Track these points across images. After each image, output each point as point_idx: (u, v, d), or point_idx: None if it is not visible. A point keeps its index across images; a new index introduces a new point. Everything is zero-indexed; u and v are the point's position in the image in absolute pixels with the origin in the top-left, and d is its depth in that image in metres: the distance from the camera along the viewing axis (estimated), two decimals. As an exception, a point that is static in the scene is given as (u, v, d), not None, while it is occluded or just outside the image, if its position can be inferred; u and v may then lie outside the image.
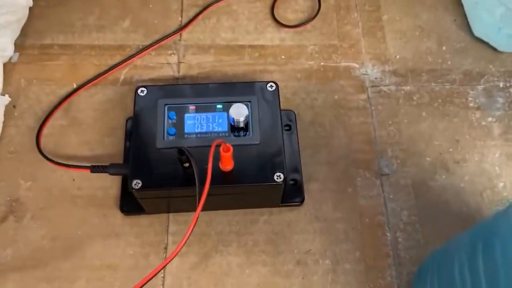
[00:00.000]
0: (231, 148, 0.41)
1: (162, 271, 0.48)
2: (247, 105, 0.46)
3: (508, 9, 0.56)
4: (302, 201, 0.51)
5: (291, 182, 0.51)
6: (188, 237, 0.38)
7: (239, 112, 0.45)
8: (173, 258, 0.39)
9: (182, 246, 0.38)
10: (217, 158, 0.43)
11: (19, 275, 0.47)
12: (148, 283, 0.46)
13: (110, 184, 0.52)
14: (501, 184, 0.52)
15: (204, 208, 0.49)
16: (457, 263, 0.36)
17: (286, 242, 0.49)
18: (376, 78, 0.59)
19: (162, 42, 0.60)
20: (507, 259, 0.29)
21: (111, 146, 0.54)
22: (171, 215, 0.50)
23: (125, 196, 0.50)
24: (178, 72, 0.59)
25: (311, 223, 0.50)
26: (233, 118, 0.45)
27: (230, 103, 0.47)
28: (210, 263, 0.48)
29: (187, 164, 0.43)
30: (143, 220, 0.50)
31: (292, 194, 0.51)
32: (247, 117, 0.46)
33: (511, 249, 0.29)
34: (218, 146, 0.41)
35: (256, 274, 0.48)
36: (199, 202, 0.38)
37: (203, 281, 0.47)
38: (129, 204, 0.50)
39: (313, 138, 0.55)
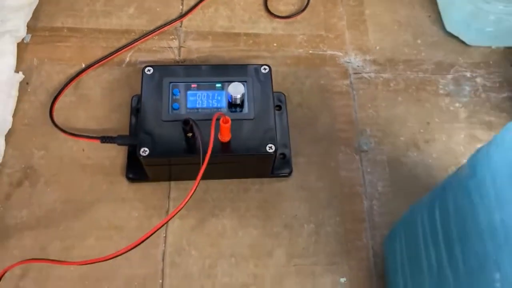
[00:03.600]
0: (230, 120, 0.47)
1: (164, 231, 0.53)
2: (243, 85, 0.52)
3: (476, 7, 0.62)
4: (290, 173, 0.57)
5: (281, 156, 0.57)
6: (192, 195, 0.44)
7: (236, 90, 0.51)
8: (175, 214, 0.44)
9: (186, 203, 0.44)
10: (216, 130, 0.49)
11: (34, 233, 0.52)
12: (152, 241, 0.53)
13: (116, 154, 0.57)
14: (465, 161, 0.58)
15: (202, 177, 0.55)
16: (419, 219, 0.42)
17: (275, 208, 0.55)
18: (358, 66, 0.65)
19: (165, 28, 0.65)
20: (456, 208, 0.36)
21: (117, 121, 0.59)
22: (172, 183, 0.56)
23: (130, 165, 0.56)
24: (179, 55, 0.64)
25: (298, 192, 0.56)
26: (231, 95, 0.51)
27: (228, 82, 0.52)
28: (207, 225, 0.54)
29: (190, 134, 0.48)
30: (146, 187, 0.56)
31: (281, 166, 0.57)
32: (243, 95, 0.51)
33: (459, 201, 0.35)
34: (218, 119, 0.47)
35: (248, 236, 0.54)
36: (202, 163, 0.44)
37: (201, 241, 0.53)
38: (134, 172, 0.55)
39: (301, 118, 0.61)
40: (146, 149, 0.49)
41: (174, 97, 0.52)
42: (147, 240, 0.42)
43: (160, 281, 0.51)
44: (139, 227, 0.53)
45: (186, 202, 0.44)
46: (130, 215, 0.54)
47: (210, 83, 0.53)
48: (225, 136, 0.50)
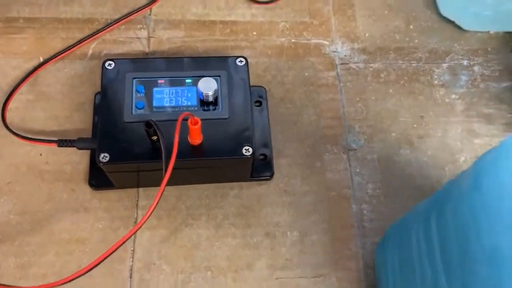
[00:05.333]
0: (199, 121, 0.42)
1: (131, 244, 0.48)
2: (216, 80, 0.47)
3: (474, -11, 0.57)
4: (271, 176, 0.52)
5: (261, 157, 0.52)
6: (157, 203, 0.38)
7: (207, 86, 0.45)
8: (141, 226, 0.40)
9: (151, 213, 0.38)
10: (186, 131, 0.43)
11: (-14, 250, 0.47)
12: (118, 256, 0.47)
13: (79, 159, 0.51)
14: (462, 159, 0.54)
15: (174, 183, 0.50)
16: (414, 232, 0.37)
17: (255, 215, 0.50)
18: (345, 56, 0.59)
19: (132, 16, 0.59)
20: (457, 225, 0.30)
21: (80, 121, 0.53)
22: (141, 189, 0.50)
23: (94, 170, 0.50)
24: (148, 47, 0.58)
25: (280, 196, 0.51)
26: (202, 92, 0.45)
27: (200, 77, 0.47)
28: (180, 237, 0.49)
29: (155, 137, 0.43)
30: (112, 194, 0.50)
31: (262, 168, 0.52)
32: (216, 91, 0.46)
33: (460, 216, 0.30)
34: (185, 119, 0.41)
35: (226, 247, 0.49)
36: (165, 174, 0.39)
37: (173, 254, 0.48)
38: (98, 178, 0.50)
39: (283, 115, 0.55)
40: (106, 154, 0.44)
41: (138, 94, 0.47)
42: (112, 255, 0.38)
43: (128, 300, 0.46)
44: (103, 240, 0.48)
45: (152, 212, 0.39)
46: (93, 226, 0.49)
47: (179, 78, 0.48)
48: (196, 139, 0.44)
